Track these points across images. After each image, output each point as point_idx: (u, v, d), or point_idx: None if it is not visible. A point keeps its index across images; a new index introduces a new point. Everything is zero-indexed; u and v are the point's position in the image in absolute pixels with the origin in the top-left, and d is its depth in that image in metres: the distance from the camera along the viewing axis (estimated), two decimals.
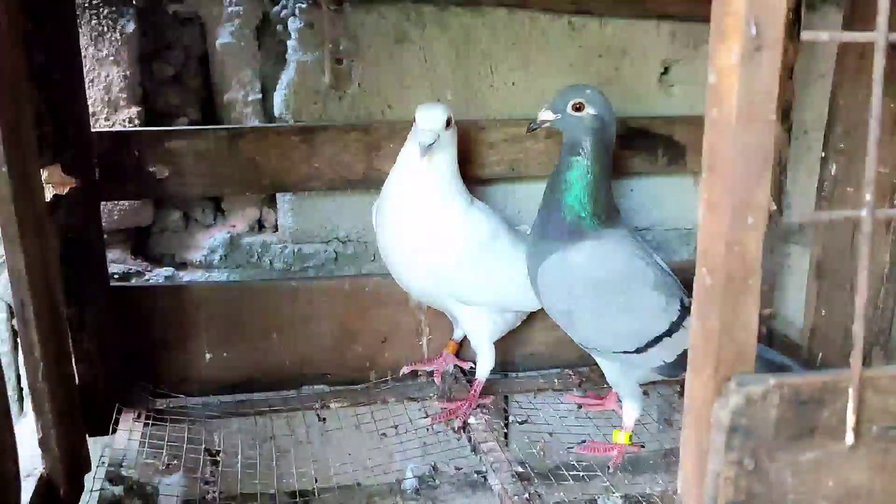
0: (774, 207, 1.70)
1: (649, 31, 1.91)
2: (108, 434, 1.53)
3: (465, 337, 1.73)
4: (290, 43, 1.77)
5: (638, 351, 1.43)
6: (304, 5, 1.75)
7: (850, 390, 0.63)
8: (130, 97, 1.73)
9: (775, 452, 0.63)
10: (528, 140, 1.77)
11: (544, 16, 1.84)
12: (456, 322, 1.74)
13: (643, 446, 1.60)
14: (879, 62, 0.57)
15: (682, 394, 1.73)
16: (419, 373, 1.80)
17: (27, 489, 1.21)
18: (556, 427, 1.69)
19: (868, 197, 0.59)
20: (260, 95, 1.82)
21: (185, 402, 1.67)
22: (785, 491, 0.64)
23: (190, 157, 1.64)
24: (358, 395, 1.74)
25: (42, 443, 1.26)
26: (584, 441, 1.61)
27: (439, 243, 1.53)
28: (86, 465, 1.40)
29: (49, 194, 1.36)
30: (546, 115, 1.45)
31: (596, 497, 1.43)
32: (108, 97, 1.71)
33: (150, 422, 1.56)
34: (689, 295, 0.77)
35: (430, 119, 1.46)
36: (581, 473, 1.49)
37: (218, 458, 1.56)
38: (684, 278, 1.31)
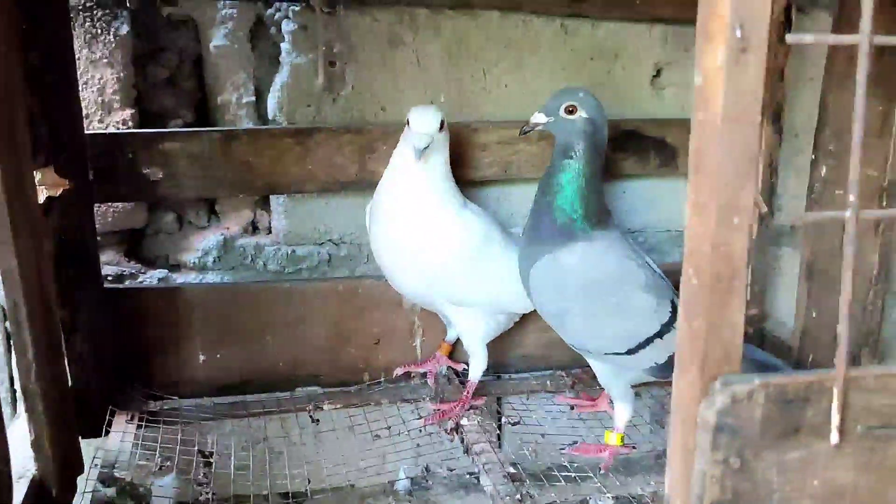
0: (766, 209, 1.71)
1: (641, 33, 1.91)
2: (101, 436, 1.53)
3: (458, 338, 1.74)
4: (284, 45, 1.78)
5: (629, 352, 1.43)
6: (297, 8, 1.75)
7: (835, 390, 0.63)
8: (124, 99, 1.73)
9: (761, 451, 0.64)
10: (521, 142, 1.78)
11: (537, 19, 1.85)
12: (449, 324, 1.75)
13: (635, 447, 1.61)
14: (863, 64, 0.57)
15: None
16: (412, 374, 1.80)
17: (19, 491, 1.20)
18: (548, 428, 1.70)
19: (852, 198, 0.60)
20: (254, 98, 1.82)
21: (178, 403, 1.67)
22: (771, 490, 0.65)
23: (184, 159, 1.64)
24: (351, 397, 1.74)
25: (35, 444, 1.26)
26: (576, 442, 1.62)
27: (432, 245, 1.53)
28: (78, 467, 1.40)
29: (43, 196, 1.36)
30: (538, 118, 1.46)
31: (588, 498, 1.43)
32: (101, 99, 1.71)
33: (144, 423, 1.56)
34: None
35: (423, 122, 1.46)
36: (573, 475, 1.49)
37: (211, 460, 1.56)
38: (676, 280, 1.31)
